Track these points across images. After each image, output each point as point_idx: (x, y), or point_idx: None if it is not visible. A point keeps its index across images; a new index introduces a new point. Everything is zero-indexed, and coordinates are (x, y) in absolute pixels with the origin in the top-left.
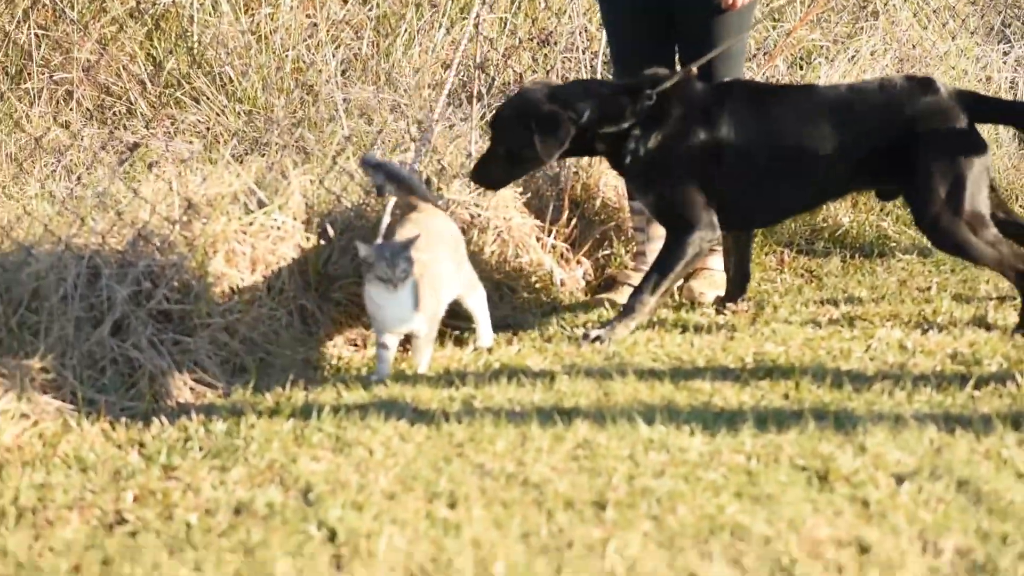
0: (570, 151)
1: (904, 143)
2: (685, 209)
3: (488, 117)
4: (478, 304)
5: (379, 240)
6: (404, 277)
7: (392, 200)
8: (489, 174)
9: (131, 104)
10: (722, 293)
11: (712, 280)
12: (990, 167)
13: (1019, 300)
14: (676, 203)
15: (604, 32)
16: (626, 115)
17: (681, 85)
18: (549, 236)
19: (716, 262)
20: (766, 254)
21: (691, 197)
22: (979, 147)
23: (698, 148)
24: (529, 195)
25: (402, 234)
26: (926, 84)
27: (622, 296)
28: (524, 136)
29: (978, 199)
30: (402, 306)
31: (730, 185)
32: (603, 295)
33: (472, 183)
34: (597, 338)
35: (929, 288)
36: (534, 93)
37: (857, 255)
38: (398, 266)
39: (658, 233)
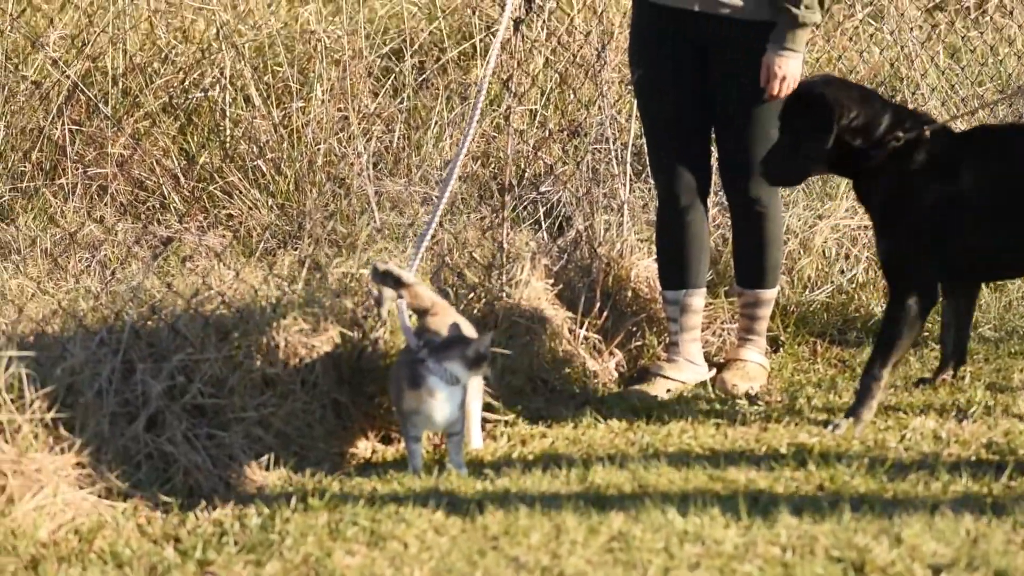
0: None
1: None
2: (914, 267)
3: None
4: (476, 409)
5: (413, 343)
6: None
7: (403, 303)
8: (777, 167)
9: (164, 198)
10: (756, 386)
11: (745, 372)
12: None
13: None
14: (907, 257)
15: (639, 115)
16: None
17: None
18: (581, 328)
19: (748, 353)
20: (798, 344)
21: (922, 255)
22: None
23: (940, 202)
24: (560, 286)
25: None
26: None
27: (654, 388)
28: (804, 125)
29: None
30: (453, 402)
31: (972, 236)
32: (635, 387)
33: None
34: (837, 426)
35: (963, 378)
36: (823, 86)
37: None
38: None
39: (691, 324)
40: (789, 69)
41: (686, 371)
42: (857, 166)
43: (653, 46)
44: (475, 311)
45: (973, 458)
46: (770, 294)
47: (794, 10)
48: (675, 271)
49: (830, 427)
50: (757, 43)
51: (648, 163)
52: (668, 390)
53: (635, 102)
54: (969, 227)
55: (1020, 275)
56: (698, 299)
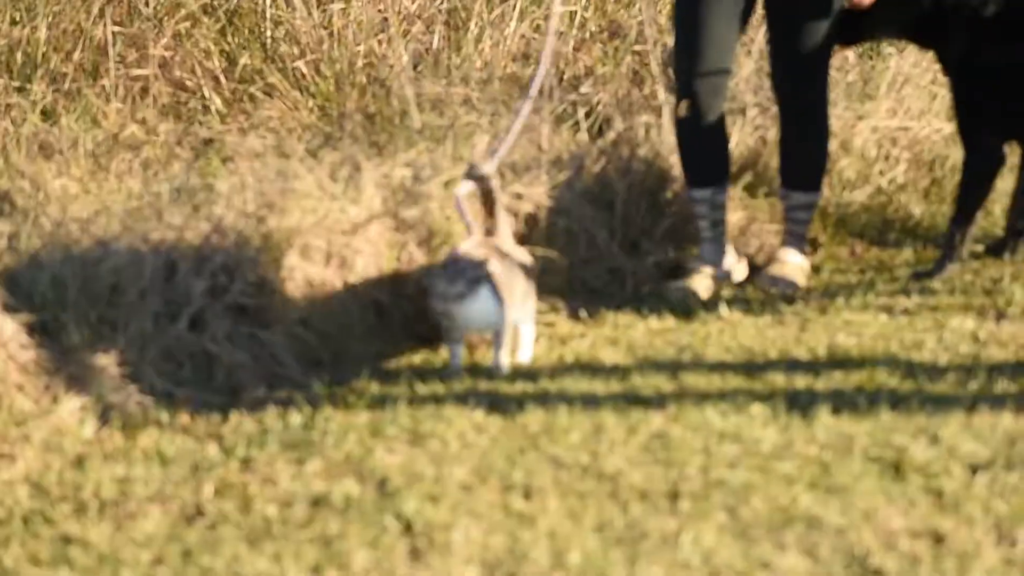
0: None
1: None
2: (979, 124)
3: None
4: (528, 334)
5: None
6: (469, 291)
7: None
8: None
9: (205, 100)
10: (796, 285)
11: (784, 271)
12: None
13: None
14: (972, 113)
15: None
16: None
17: None
18: (621, 227)
19: (789, 254)
20: (837, 245)
21: (986, 112)
22: None
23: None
24: (600, 188)
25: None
26: None
27: (693, 283)
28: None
29: None
30: (482, 305)
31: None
32: (674, 284)
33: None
34: (927, 274)
35: (1001, 279)
36: None
37: (929, 246)
38: (458, 281)
39: (722, 220)
40: None
41: (721, 267)
42: (932, 28)
43: None
44: (515, 212)
45: (1011, 359)
46: (815, 197)
47: None
48: (704, 169)
49: (918, 276)
50: None
51: (675, 56)
52: (707, 286)
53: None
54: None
55: None
56: (726, 196)
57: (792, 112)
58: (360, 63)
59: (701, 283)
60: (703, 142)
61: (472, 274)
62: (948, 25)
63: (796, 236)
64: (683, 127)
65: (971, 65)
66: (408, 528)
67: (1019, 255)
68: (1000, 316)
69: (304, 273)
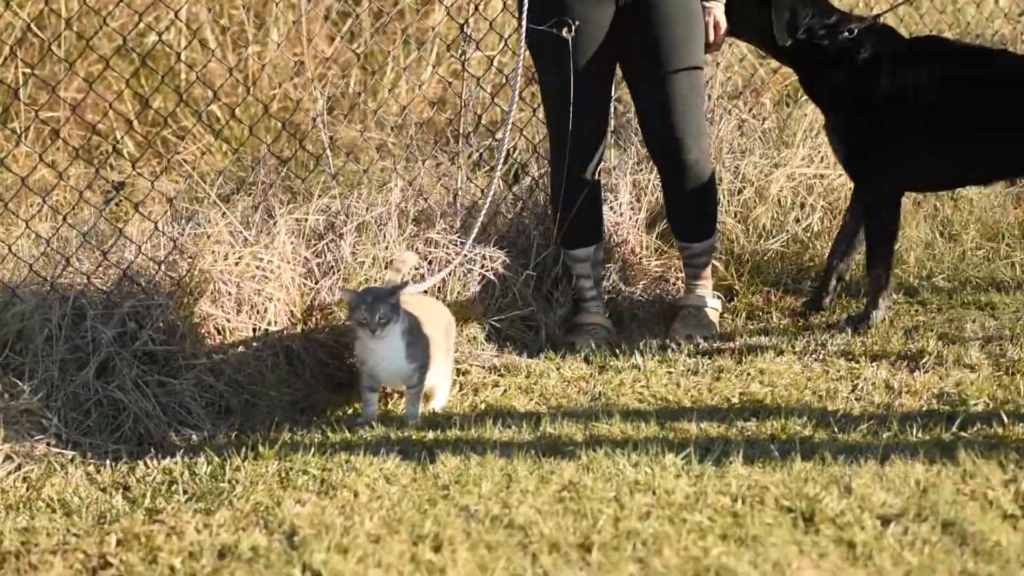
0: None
1: None
2: (868, 164)
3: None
4: (443, 384)
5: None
6: (384, 323)
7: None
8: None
9: (117, 143)
10: (709, 333)
11: (698, 319)
12: None
13: None
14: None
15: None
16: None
17: (879, 29)
18: (534, 275)
19: (699, 299)
20: (752, 293)
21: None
22: None
23: (889, 99)
24: (514, 234)
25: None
26: None
27: (584, 338)
28: (762, 16)
29: None
30: (394, 354)
31: (907, 144)
32: (568, 338)
33: None
34: (856, 323)
35: (916, 328)
36: None
37: (844, 294)
38: (377, 311)
39: (598, 276)
40: (718, 18)
41: (605, 322)
42: (807, 56)
43: (570, 4)
44: (430, 258)
45: (924, 408)
46: (709, 243)
47: None
48: (586, 228)
49: (840, 326)
50: None
51: (548, 122)
52: (595, 342)
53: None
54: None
55: (955, 187)
56: (603, 251)
57: (672, 169)
58: (275, 107)
59: (591, 338)
60: (582, 204)
61: (389, 327)
62: (826, 60)
63: (703, 279)
64: (560, 192)
65: (852, 102)
66: None
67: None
68: (913, 365)
69: (215, 320)
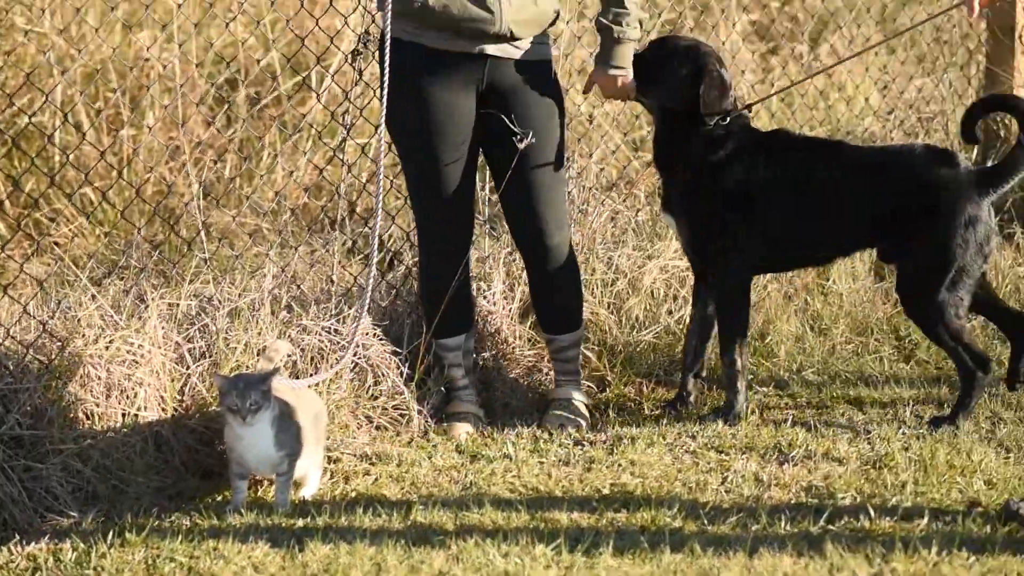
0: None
1: (913, 209)
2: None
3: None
4: (315, 472)
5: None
6: (255, 410)
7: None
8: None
9: None
10: (581, 424)
11: (569, 411)
12: (989, 253)
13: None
14: (713, 236)
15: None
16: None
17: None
18: (406, 364)
19: (568, 392)
20: (625, 384)
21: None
22: (981, 229)
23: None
24: (388, 322)
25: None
26: (947, 156)
27: (458, 428)
28: (685, 83)
29: (960, 283)
30: (263, 442)
31: (755, 229)
32: (443, 425)
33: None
34: (724, 415)
35: (785, 420)
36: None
37: (715, 387)
38: (248, 398)
39: (468, 365)
40: (626, 81)
41: (477, 411)
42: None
43: (428, 90)
44: (303, 345)
45: (793, 501)
46: (576, 335)
47: (616, 28)
48: (456, 317)
49: (708, 417)
50: (539, 82)
51: (414, 211)
52: (467, 432)
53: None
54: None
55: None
56: (474, 340)
57: (535, 257)
58: (149, 191)
59: (463, 428)
60: (452, 294)
61: (259, 414)
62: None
63: (571, 373)
64: (429, 282)
65: (701, 191)
66: None
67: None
68: (783, 458)
69: (84, 405)
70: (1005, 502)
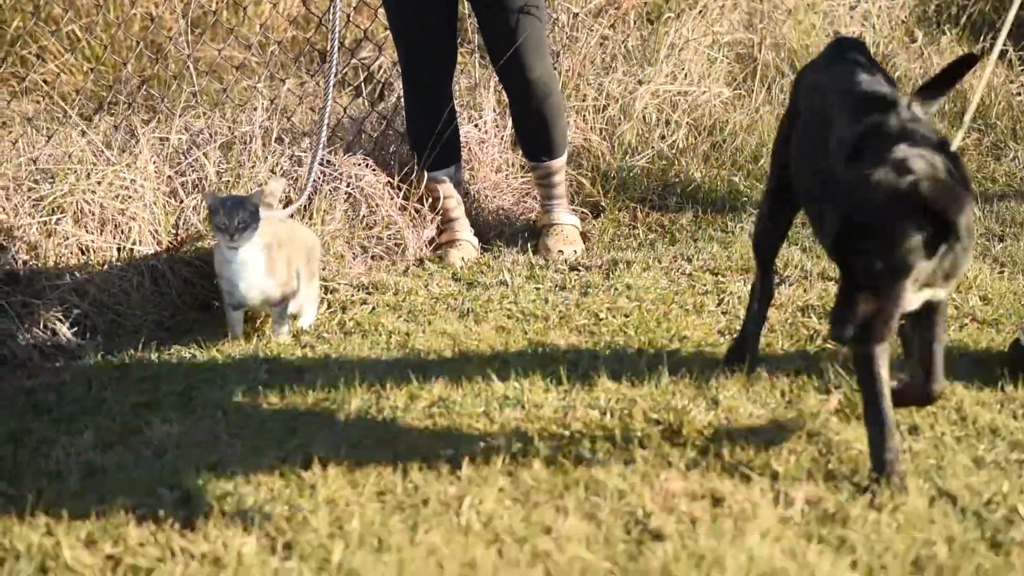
0: None
1: None
2: None
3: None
4: (311, 304)
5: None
6: (243, 228)
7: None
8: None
9: None
10: (577, 249)
11: (564, 235)
12: None
13: None
14: None
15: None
16: None
17: None
18: (400, 194)
19: (559, 216)
20: (619, 210)
21: None
22: None
23: None
24: (380, 152)
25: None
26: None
27: (454, 254)
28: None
29: None
30: (253, 269)
31: None
32: (437, 253)
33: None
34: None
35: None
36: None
37: (709, 210)
38: (236, 215)
39: (460, 196)
40: None
41: (472, 239)
42: None
43: None
44: (295, 177)
45: (790, 321)
46: (562, 160)
47: None
48: (445, 150)
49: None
50: None
51: (397, 48)
52: (463, 259)
53: None
54: None
55: None
56: (462, 172)
57: (519, 89)
58: (136, 26)
59: (459, 254)
60: (441, 128)
61: (247, 234)
62: None
63: (559, 197)
64: (416, 118)
65: None
66: (185, 498)
67: None
68: (778, 279)
69: (79, 240)
70: (1015, 339)
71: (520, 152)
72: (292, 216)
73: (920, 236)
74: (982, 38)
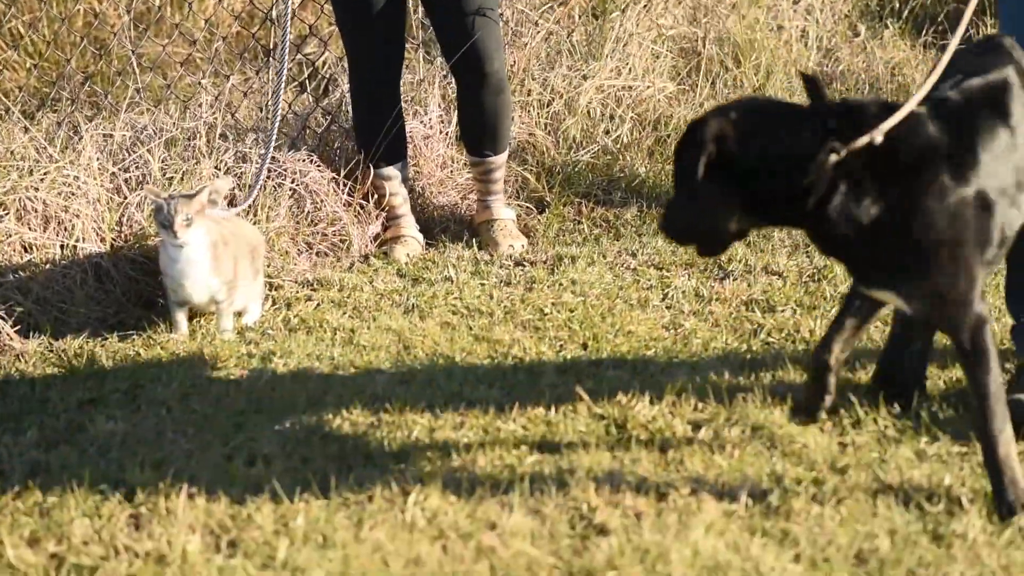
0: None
1: None
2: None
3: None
4: (256, 302)
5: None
6: (187, 224)
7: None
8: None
9: None
10: (520, 244)
11: (506, 230)
12: None
13: None
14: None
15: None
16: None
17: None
18: (344, 190)
19: (499, 212)
20: (564, 205)
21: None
22: None
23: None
24: (324, 147)
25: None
26: None
27: (399, 250)
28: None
29: None
30: (198, 267)
31: None
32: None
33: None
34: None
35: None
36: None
37: (654, 205)
38: (180, 213)
39: (405, 193)
40: None
41: (417, 235)
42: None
43: None
44: (239, 174)
45: (733, 315)
46: (503, 158)
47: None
48: (391, 146)
49: None
50: None
51: (344, 42)
52: (408, 255)
53: None
54: None
55: None
56: (409, 169)
57: (474, 81)
58: (80, 22)
59: (404, 250)
60: (388, 124)
61: (191, 232)
62: None
63: (498, 193)
64: (362, 114)
65: None
66: (130, 496)
67: None
68: (722, 274)
69: (21, 237)
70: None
71: (464, 149)
72: (237, 214)
73: None
74: (924, 32)
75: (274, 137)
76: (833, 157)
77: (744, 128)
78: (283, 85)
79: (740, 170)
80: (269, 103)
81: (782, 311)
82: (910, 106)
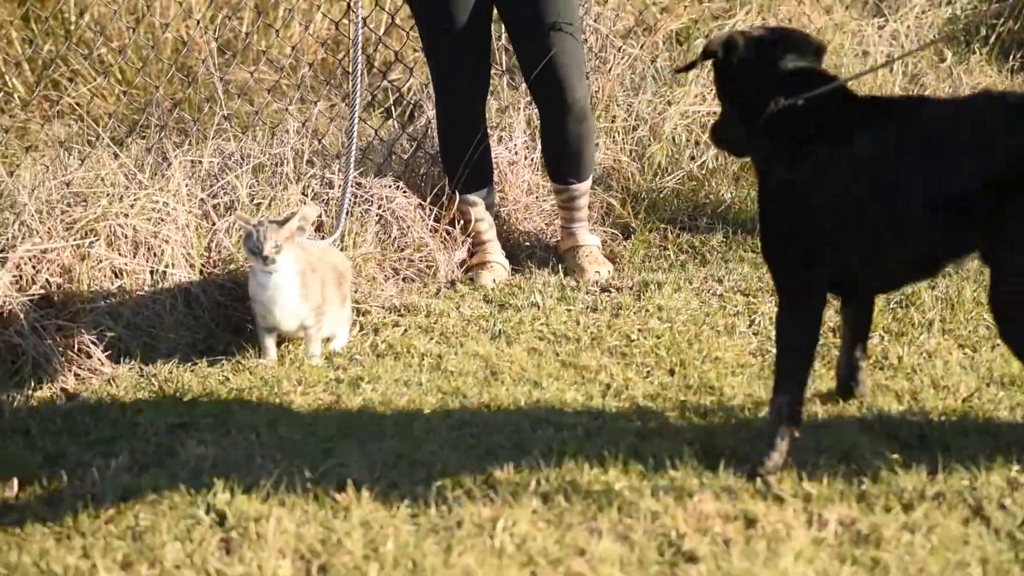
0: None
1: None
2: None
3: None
4: (344, 328)
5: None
6: (276, 251)
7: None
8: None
9: (7, 87)
10: (606, 271)
11: (592, 256)
12: None
13: None
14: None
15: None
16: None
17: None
18: (431, 216)
19: (583, 238)
20: (649, 231)
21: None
22: None
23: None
24: (411, 174)
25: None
26: None
27: (485, 276)
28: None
29: None
30: (287, 293)
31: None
32: (468, 275)
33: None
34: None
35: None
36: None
37: (739, 231)
38: (270, 240)
39: (491, 220)
40: None
41: (503, 261)
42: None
43: None
44: (326, 200)
45: (820, 342)
46: (587, 185)
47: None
48: (477, 172)
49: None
50: None
51: (430, 69)
52: (494, 281)
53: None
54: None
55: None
56: (495, 195)
57: (557, 111)
58: (168, 50)
59: (490, 276)
60: (472, 149)
61: (281, 259)
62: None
63: (582, 220)
64: (448, 140)
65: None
66: (221, 520)
67: None
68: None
69: (112, 263)
70: None
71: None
72: (332, 243)
73: None
74: (1011, 57)
75: (352, 164)
76: (771, 107)
77: (751, 48)
78: (357, 111)
79: (732, 79)
80: (347, 130)
81: (870, 338)
82: (840, 83)
